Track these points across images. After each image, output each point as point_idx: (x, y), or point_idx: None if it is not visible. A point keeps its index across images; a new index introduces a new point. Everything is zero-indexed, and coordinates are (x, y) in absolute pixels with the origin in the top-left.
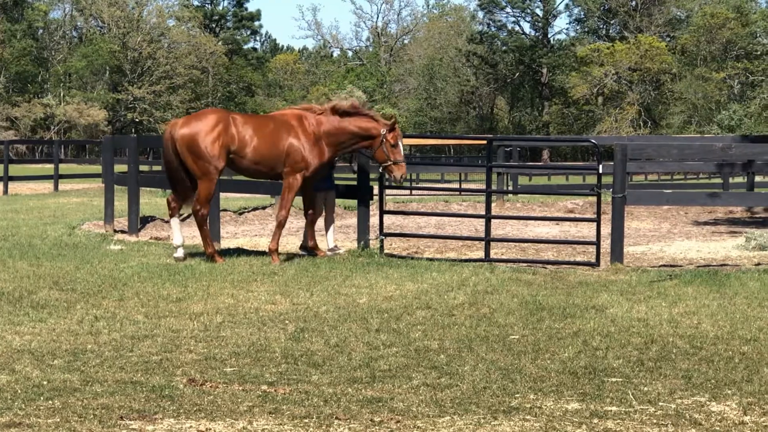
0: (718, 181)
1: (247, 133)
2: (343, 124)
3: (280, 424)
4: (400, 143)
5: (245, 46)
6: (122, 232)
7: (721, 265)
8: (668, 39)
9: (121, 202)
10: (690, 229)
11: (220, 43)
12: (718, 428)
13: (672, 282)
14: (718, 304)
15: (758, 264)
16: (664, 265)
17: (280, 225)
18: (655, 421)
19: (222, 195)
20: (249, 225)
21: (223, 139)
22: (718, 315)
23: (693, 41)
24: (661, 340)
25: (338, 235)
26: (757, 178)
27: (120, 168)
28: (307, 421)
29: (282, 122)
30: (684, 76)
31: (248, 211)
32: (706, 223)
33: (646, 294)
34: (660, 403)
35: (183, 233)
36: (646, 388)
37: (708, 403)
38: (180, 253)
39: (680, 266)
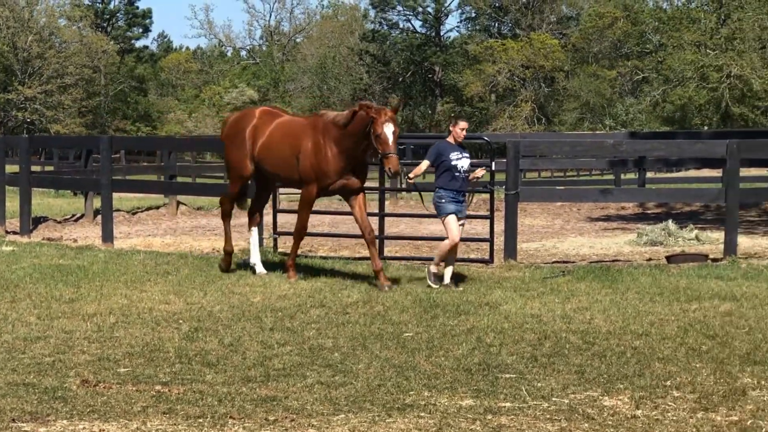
0: (611, 177)
1: None
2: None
3: (174, 424)
4: (383, 130)
5: (137, 44)
6: (14, 233)
7: (614, 261)
8: (560, 37)
9: (12, 203)
10: (583, 226)
11: (111, 41)
12: (610, 422)
13: (565, 278)
14: (611, 299)
15: (650, 259)
16: (557, 262)
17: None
18: (548, 416)
19: (115, 195)
20: (143, 225)
21: None
22: (611, 310)
23: (584, 39)
24: (554, 336)
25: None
26: (649, 174)
27: (11, 168)
28: (201, 420)
29: None
30: (576, 74)
31: (141, 211)
32: (598, 220)
33: (540, 290)
34: (553, 399)
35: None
36: (539, 384)
37: (600, 397)
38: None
39: (573, 262)
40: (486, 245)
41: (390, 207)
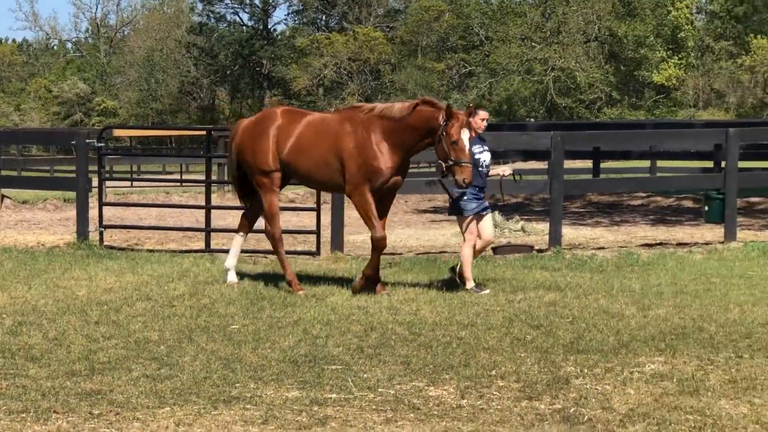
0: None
1: None
2: None
3: None
4: (461, 137)
5: None
6: None
7: (440, 253)
8: (387, 30)
9: None
10: (410, 218)
11: None
12: (436, 412)
13: (392, 270)
14: (437, 290)
15: None
16: (385, 253)
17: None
18: (374, 407)
19: None
20: None
21: None
22: (437, 301)
23: (411, 33)
24: (380, 327)
25: (58, 228)
26: None
27: None
28: (24, 415)
29: None
30: (404, 67)
31: None
32: (425, 212)
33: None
34: (379, 389)
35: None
36: (365, 375)
37: (426, 387)
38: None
39: (400, 254)
40: (313, 237)
41: (217, 200)
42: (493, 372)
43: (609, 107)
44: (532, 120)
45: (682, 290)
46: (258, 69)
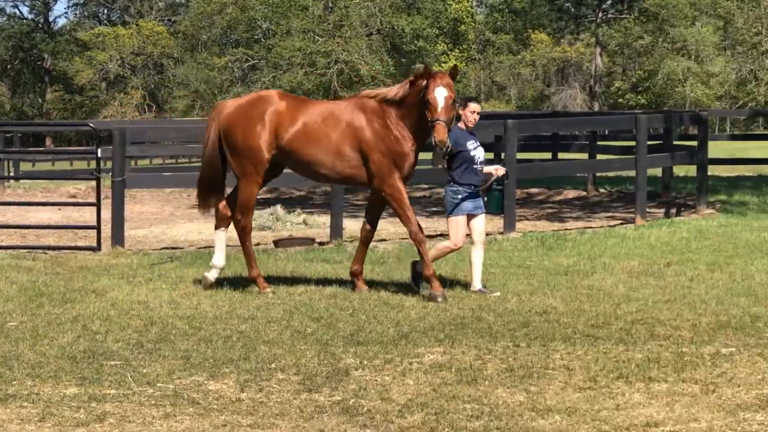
0: None
1: None
2: None
3: None
4: (433, 94)
5: None
6: None
7: None
8: (170, 24)
9: None
10: (193, 212)
11: None
12: (215, 406)
13: (173, 264)
14: (218, 284)
15: (258, 244)
16: (166, 248)
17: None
18: (153, 402)
19: None
20: None
21: None
22: (218, 295)
23: (193, 26)
24: (161, 322)
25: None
26: None
27: None
28: None
29: None
30: (186, 61)
31: None
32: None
33: (147, 277)
34: (158, 384)
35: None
36: (145, 370)
37: (206, 382)
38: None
39: (182, 248)
40: (94, 233)
41: None
42: (273, 365)
43: None
44: None
45: (461, 280)
46: (39, 63)
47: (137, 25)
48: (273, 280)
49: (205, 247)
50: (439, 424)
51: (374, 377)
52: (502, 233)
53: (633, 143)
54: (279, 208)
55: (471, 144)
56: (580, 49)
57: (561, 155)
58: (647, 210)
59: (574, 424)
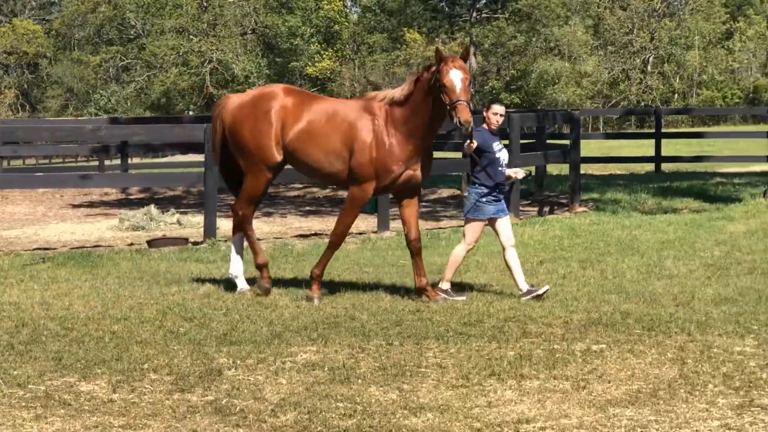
0: (96, 163)
1: None
2: None
3: None
4: (449, 76)
5: None
6: None
7: (95, 247)
8: (43, 22)
9: None
10: (65, 212)
11: None
12: (87, 407)
13: (45, 265)
14: (91, 284)
15: (131, 244)
16: (38, 249)
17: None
18: (24, 403)
19: None
20: None
21: None
22: (90, 296)
23: (67, 25)
24: (32, 323)
25: None
26: (136, 160)
27: None
28: None
29: None
30: (60, 60)
31: None
32: (81, 206)
33: (19, 278)
34: (29, 386)
35: None
36: (15, 372)
37: (78, 383)
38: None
39: (54, 249)
40: None
41: None
42: (146, 365)
43: None
44: (190, 113)
45: (335, 280)
46: None
47: (11, 23)
48: (146, 279)
49: (77, 248)
50: (312, 423)
51: (247, 377)
52: (376, 232)
53: (507, 141)
54: (153, 208)
55: (496, 146)
56: (453, 48)
57: (436, 154)
58: (521, 208)
59: (446, 421)
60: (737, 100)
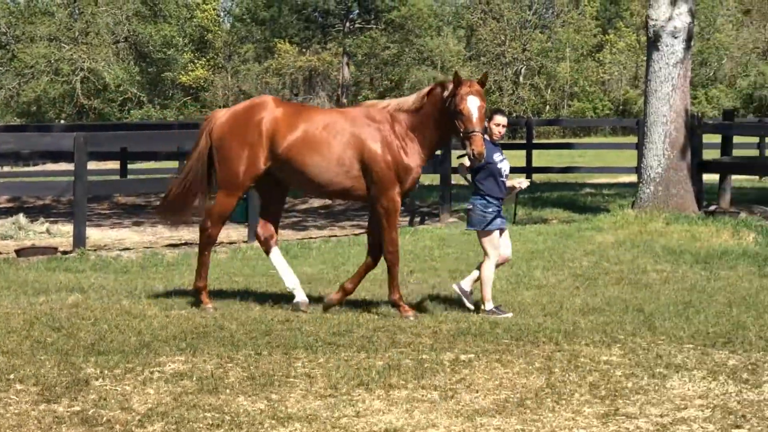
0: None
1: None
2: None
3: None
4: (467, 104)
5: None
6: None
7: None
8: None
9: None
10: None
11: None
12: None
13: None
14: None
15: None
16: None
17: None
18: None
19: None
20: None
21: None
22: None
23: None
24: None
25: None
26: (5, 169)
27: None
28: None
29: None
30: None
31: None
32: None
33: None
34: None
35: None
36: None
37: None
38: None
39: None
40: None
41: None
42: (12, 376)
43: (138, 108)
44: (62, 122)
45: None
46: None
47: None
48: (14, 288)
49: None
50: None
51: (115, 387)
52: (246, 242)
53: None
54: (22, 217)
55: (498, 156)
56: (326, 58)
57: None
58: None
59: (314, 431)
60: (608, 112)
